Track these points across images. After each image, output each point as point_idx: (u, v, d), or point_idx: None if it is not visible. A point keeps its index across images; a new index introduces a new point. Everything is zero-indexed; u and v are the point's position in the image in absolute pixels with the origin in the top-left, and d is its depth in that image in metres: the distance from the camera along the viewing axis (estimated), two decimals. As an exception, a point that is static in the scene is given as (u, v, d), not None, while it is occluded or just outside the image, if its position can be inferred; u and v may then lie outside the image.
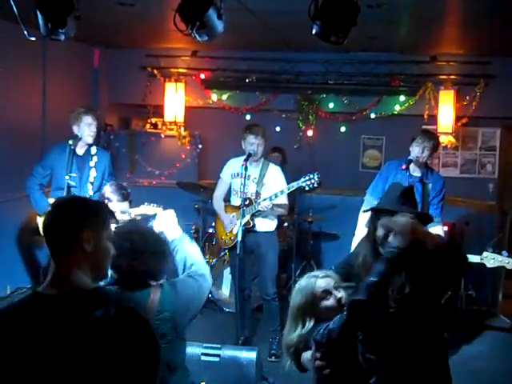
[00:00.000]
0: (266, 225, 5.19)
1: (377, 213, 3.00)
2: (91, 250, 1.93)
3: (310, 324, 2.56)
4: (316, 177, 4.88)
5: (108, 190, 4.25)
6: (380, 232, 2.80)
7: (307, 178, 4.90)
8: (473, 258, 4.65)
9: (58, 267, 1.91)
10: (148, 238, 2.75)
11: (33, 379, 1.77)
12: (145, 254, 2.66)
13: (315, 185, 4.92)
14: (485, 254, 4.50)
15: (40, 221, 5.08)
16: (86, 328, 1.78)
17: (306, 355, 2.51)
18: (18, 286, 6.10)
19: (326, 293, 2.58)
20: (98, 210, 2.02)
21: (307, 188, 4.94)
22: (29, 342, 1.79)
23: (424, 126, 6.95)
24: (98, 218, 1.99)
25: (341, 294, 2.58)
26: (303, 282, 2.68)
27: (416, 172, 4.80)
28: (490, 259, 4.47)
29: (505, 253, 4.50)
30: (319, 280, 2.62)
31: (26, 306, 1.88)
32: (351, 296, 2.43)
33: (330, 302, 2.56)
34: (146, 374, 1.83)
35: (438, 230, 4.84)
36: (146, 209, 5.17)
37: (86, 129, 4.93)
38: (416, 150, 4.72)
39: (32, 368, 1.77)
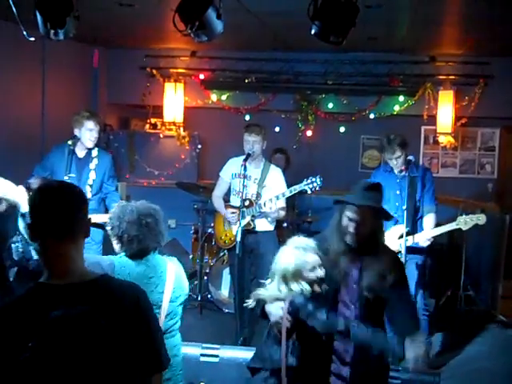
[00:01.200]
0: (265, 224, 5.18)
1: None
2: (86, 233, 1.94)
3: (290, 288, 2.95)
4: (318, 180, 4.87)
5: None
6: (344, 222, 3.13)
7: (309, 181, 4.89)
8: (450, 226, 4.73)
9: (57, 254, 1.85)
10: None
11: (44, 368, 1.76)
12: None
13: (317, 188, 4.92)
14: (459, 218, 4.61)
15: None
16: (99, 317, 1.79)
17: (273, 307, 2.95)
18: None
19: (313, 268, 2.95)
20: (83, 194, 2.01)
21: (309, 191, 4.94)
22: (35, 333, 1.76)
23: (423, 127, 6.98)
24: (86, 202, 1.99)
25: (322, 272, 2.96)
26: (295, 249, 3.10)
27: (401, 172, 4.86)
28: (465, 221, 4.57)
29: (478, 210, 4.58)
30: (310, 255, 2.99)
31: (33, 296, 1.84)
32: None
33: (312, 276, 2.94)
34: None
35: (429, 217, 4.86)
36: None
37: (87, 133, 4.91)
38: (393, 164, 4.84)
39: (42, 357, 1.75)
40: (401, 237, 4.67)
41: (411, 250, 4.72)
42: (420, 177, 4.88)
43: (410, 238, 4.71)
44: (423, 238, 4.70)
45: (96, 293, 1.84)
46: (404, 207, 4.58)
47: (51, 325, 1.77)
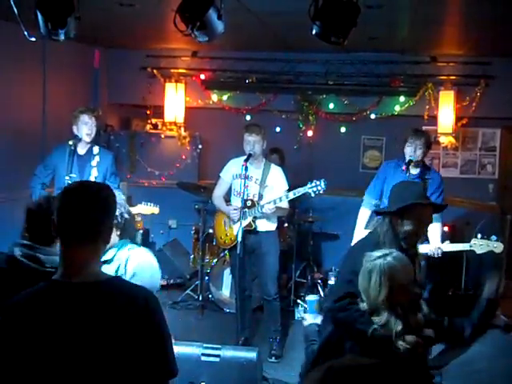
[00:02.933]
0: (267, 225, 5.19)
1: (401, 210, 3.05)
2: (109, 240, 1.95)
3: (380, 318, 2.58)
4: (323, 183, 4.86)
5: None
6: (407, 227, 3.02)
7: (313, 184, 4.88)
8: (463, 247, 4.70)
9: (77, 257, 1.86)
10: None
11: (54, 364, 1.76)
12: None
13: (321, 192, 4.91)
14: (473, 240, 4.56)
15: None
16: (108, 317, 1.80)
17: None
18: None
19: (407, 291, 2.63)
20: (115, 201, 2.00)
21: (313, 194, 4.93)
22: (47, 331, 1.77)
23: (424, 127, 6.94)
24: (116, 209, 2.02)
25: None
26: (382, 265, 2.62)
27: (413, 170, 4.82)
28: (479, 245, 4.53)
29: (493, 237, 4.54)
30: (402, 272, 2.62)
31: (46, 293, 1.84)
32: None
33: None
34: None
35: (435, 226, 4.85)
36: (143, 208, 5.20)
37: (83, 128, 4.93)
38: (409, 150, 4.75)
39: (54, 353, 1.76)
40: None
41: None
42: (432, 180, 4.86)
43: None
44: (431, 249, 4.67)
45: (105, 293, 1.85)
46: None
47: (57, 322, 1.78)
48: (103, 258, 2.45)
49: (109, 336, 1.79)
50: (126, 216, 2.93)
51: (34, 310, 1.80)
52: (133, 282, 2.03)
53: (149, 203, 5.21)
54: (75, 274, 1.85)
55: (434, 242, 4.77)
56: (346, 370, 1.58)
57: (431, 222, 3.22)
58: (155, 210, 5.22)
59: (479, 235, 4.57)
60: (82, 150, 5.02)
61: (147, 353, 1.82)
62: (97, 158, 5.04)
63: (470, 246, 4.57)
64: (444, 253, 4.71)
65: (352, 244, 4.97)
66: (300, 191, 4.92)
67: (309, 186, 4.89)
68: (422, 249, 4.70)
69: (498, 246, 4.51)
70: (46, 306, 1.80)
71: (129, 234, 3.02)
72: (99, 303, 1.82)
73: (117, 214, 3.00)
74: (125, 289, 1.92)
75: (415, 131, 4.94)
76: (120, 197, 2.96)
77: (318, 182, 4.87)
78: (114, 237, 3.04)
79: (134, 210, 5.08)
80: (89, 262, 1.87)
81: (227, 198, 5.40)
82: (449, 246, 4.69)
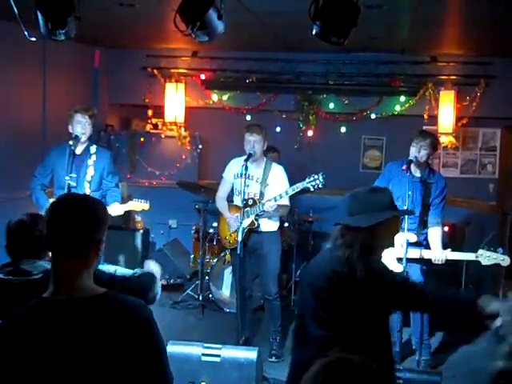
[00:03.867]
0: (269, 225, 5.18)
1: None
2: (99, 255, 1.90)
3: None
4: (321, 177, 4.85)
5: None
6: None
7: (312, 178, 4.87)
8: (468, 256, 4.66)
9: (66, 271, 1.83)
10: None
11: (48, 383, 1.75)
12: None
13: (320, 186, 4.89)
14: (480, 251, 4.51)
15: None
16: (102, 333, 1.77)
17: None
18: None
19: None
20: (106, 213, 1.96)
21: (312, 189, 4.92)
22: (42, 349, 1.75)
23: (424, 127, 6.96)
24: (107, 222, 1.94)
25: None
26: None
27: (417, 173, 4.79)
28: (486, 257, 4.48)
29: (500, 250, 4.50)
30: None
31: (37, 312, 1.81)
32: None
33: None
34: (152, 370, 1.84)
35: (436, 231, 4.84)
36: (134, 205, 5.20)
37: (77, 127, 4.93)
38: (413, 151, 4.71)
39: (44, 373, 1.74)
40: (416, 244, 4.65)
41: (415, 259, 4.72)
42: (435, 184, 4.84)
43: (417, 251, 4.69)
44: (435, 256, 4.67)
45: (100, 308, 1.82)
46: (405, 207, 4.57)
47: (51, 340, 1.76)
48: None
49: (104, 352, 1.76)
50: None
51: (25, 331, 1.77)
52: (126, 296, 2.02)
53: (140, 200, 5.20)
54: (67, 291, 1.82)
55: (436, 247, 4.75)
56: (338, 366, 1.58)
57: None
58: (145, 206, 5.21)
59: (485, 247, 4.53)
60: (78, 149, 5.01)
61: (142, 367, 1.80)
62: (93, 157, 5.03)
63: (476, 257, 4.52)
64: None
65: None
66: (299, 186, 4.91)
67: (307, 180, 4.88)
68: (426, 255, 4.70)
69: (505, 260, 4.45)
70: (37, 325, 1.77)
71: None
72: (92, 319, 1.78)
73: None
74: (118, 303, 1.88)
75: (421, 132, 4.92)
76: None
77: (316, 176, 4.86)
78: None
79: (125, 207, 5.10)
80: (79, 276, 1.84)
81: (229, 199, 5.40)
82: (453, 254, 4.66)
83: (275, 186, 5.10)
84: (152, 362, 1.83)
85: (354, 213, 2.73)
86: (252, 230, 5.08)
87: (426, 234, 4.87)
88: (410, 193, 4.62)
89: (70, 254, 1.82)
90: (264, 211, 5.00)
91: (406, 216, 4.53)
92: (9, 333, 1.79)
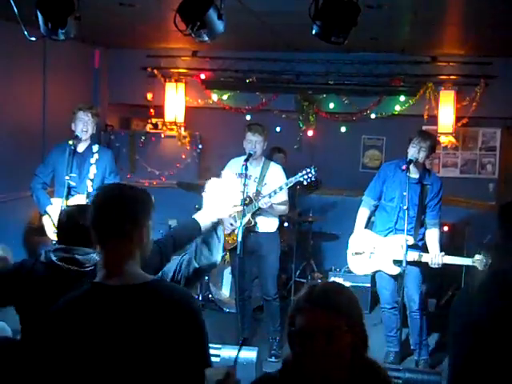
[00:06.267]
0: (268, 225, 5.19)
1: None
2: (146, 240, 1.98)
3: None
4: (313, 170, 4.88)
5: None
6: None
7: (304, 172, 4.91)
8: (465, 261, 4.65)
9: (116, 256, 1.89)
10: None
11: (98, 365, 1.79)
12: None
13: (313, 178, 4.92)
14: (477, 257, 4.50)
15: (46, 221, 5.07)
16: (152, 319, 1.81)
17: None
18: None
19: None
20: (151, 199, 2.05)
21: (305, 182, 4.95)
22: (93, 334, 1.79)
23: (424, 127, 6.96)
24: (152, 210, 2.03)
25: None
26: None
27: (414, 173, 4.78)
28: (482, 262, 4.47)
29: None
30: None
31: (90, 297, 1.86)
32: None
33: None
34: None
35: (434, 233, 4.83)
36: None
37: (79, 124, 4.94)
38: (412, 151, 4.70)
39: (97, 355, 1.78)
40: (412, 246, 4.65)
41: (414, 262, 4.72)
42: (431, 186, 4.84)
43: (416, 253, 4.70)
44: (432, 260, 4.66)
45: (149, 295, 1.87)
46: (405, 207, 4.57)
47: (103, 325, 1.80)
48: None
49: (152, 337, 1.80)
50: None
51: (78, 315, 1.82)
52: (174, 284, 2.06)
53: None
54: (117, 276, 1.87)
55: (434, 250, 4.74)
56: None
57: None
58: None
59: (482, 251, 4.53)
60: (81, 147, 5.02)
61: (188, 354, 1.85)
62: (96, 156, 5.04)
63: (473, 262, 4.52)
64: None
65: (349, 243, 4.95)
66: (292, 181, 4.95)
67: (300, 174, 4.93)
68: (423, 258, 4.70)
69: None
70: (90, 309, 1.83)
71: None
72: (143, 306, 1.83)
73: None
74: (167, 290, 1.94)
75: (422, 133, 4.90)
76: None
77: (308, 170, 4.90)
78: None
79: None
80: (129, 261, 1.90)
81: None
82: (450, 259, 4.66)
83: (272, 184, 5.09)
84: (196, 349, 1.89)
85: None
86: (250, 230, 5.08)
87: (422, 234, 4.87)
88: (405, 193, 4.62)
89: (119, 238, 1.90)
90: (259, 208, 5.00)
91: (406, 217, 4.54)
92: (62, 316, 1.84)
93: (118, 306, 1.82)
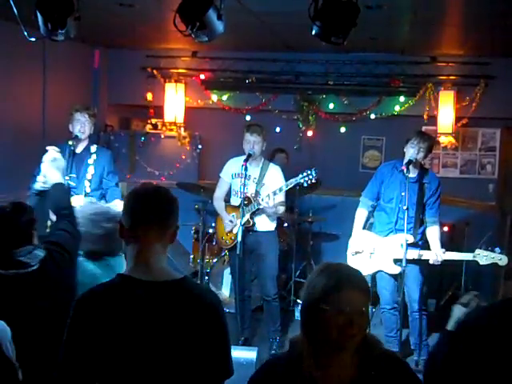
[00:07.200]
0: (266, 224, 5.19)
1: None
2: (172, 241, 2.02)
3: None
4: (314, 172, 4.88)
5: None
6: None
7: (305, 174, 4.92)
8: (466, 256, 4.67)
9: (150, 252, 1.93)
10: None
11: (122, 355, 1.82)
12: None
13: (313, 180, 4.92)
14: (477, 251, 4.53)
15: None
16: (179, 316, 1.86)
17: None
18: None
19: None
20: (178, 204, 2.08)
21: (305, 184, 4.95)
22: (121, 326, 1.83)
23: (424, 127, 6.96)
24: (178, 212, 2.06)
25: None
26: None
27: (412, 173, 4.79)
28: (483, 256, 4.50)
29: (497, 249, 4.51)
30: None
31: (119, 289, 1.90)
32: None
33: None
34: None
35: (434, 230, 4.84)
36: (119, 203, 5.20)
37: (76, 125, 4.94)
38: (411, 152, 4.70)
39: (122, 346, 1.82)
40: (412, 245, 4.66)
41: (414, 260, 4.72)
42: (429, 184, 4.85)
43: (416, 252, 4.70)
44: (433, 257, 4.67)
45: (177, 293, 1.91)
46: (405, 207, 4.57)
47: (131, 319, 1.84)
48: None
49: (177, 334, 1.85)
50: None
51: (106, 306, 1.85)
52: (200, 284, 2.13)
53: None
54: (148, 272, 1.91)
55: (435, 247, 4.75)
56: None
57: None
58: None
59: (483, 246, 4.54)
60: (79, 148, 5.01)
61: (211, 352, 1.91)
62: (94, 157, 5.03)
63: (474, 257, 4.54)
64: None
65: (349, 244, 4.96)
66: (292, 182, 4.95)
67: (300, 176, 4.93)
68: (424, 255, 4.70)
69: (502, 259, 4.48)
70: (119, 301, 1.86)
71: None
72: (171, 302, 1.88)
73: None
74: (194, 289, 1.99)
75: (420, 134, 4.89)
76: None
77: (308, 172, 4.91)
78: None
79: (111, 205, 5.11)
80: (161, 258, 1.95)
81: (227, 199, 5.40)
82: (451, 255, 4.68)
83: (271, 185, 5.10)
84: (219, 348, 1.95)
85: None
86: (248, 230, 5.08)
87: (422, 233, 4.88)
88: (403, 194, 4.63)
89: (159, 235, 1.95)
90: (259, 209, 5.00)
91: (405, 216, 4.54)
92: (90, 307, 1.87)
93: (147, 301, 1.86)
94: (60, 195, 3.04)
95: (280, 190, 4.97)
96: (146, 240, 1.93)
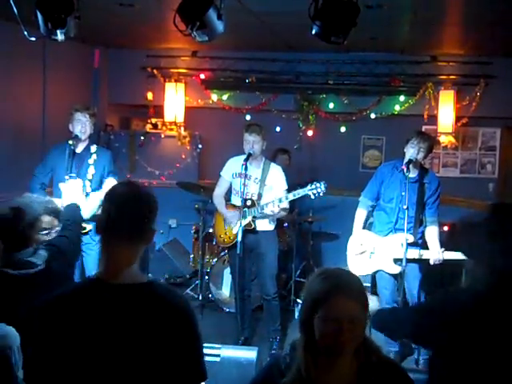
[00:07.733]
0: (266, 224, 5.18)
1: None
2: (147, 243, 1.98)
3: None
4: (323, 186, 4.83)
5: None
6: None
7: (314, 186, 4.84)
8: (463, 256, 4.66)
9: (123, 256, 1.90)
10: None
11: (87, 360, 1.80)
12: None
13: (321, 194, 4.88)
14: None
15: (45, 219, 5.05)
16: (147, 319, 1.83)
17: None
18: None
19: None
20: (157, 204, 2.03)
21: (313, 197, 4.90)
22: (87, 329, 1.81)
23: (424, 126, 6.97)
24: (156, 213, 2.02)
25: None
26: None
27: (412, 173, 4.79)
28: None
29: None
30: None
31: (89, 292, 1.88)
32: None
33: None
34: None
35: (433, 230, 4.84)
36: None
37: (77, 125, 4.93)
38: (411, 151, 4.70)
39: (87, 351, 1.80)
40: (412, 244, 4.65)
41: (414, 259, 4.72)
42: (429, 184, 4.84)
43: (416, 251, 4.70)
44: (433, 256, 4.68)
45: (143, 296, 1.89)
46: (405, 207, 4.57)
47: (99, 322, 1.82)
48: None
49: (145, 337, 1.82)
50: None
51: (72, 308, 1.84)
52: (170, 287, 2.10)
53: None
54: (116, 275, 1.89)
55: (434, 247, 4.75)
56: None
57: None
58: None
59: None
60: (79, 148, 5.01)
61: (182, 355, 1.87)
62: (94, 156, 5.03)
63: None
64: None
65: (349, 243, 4.96)
66: (300, 193, 4.89)
67: (309, 187, 4.86)
68: (424, 255, 4.70)
69: None
70: (85, 304, 1.84)
71: None
72: (138, 305, 1.86)
73: None
74: (163, 292, 1.96)
75: (421, 134, 4.88)
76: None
77: (318, 185, 4.84)
78: None
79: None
80: (130, 263, 1.92)
81: (227, 198, 5.39)
82: (451, 254, 4.67)
83: (273, 187, 5.09)
84: (190, 351, 1.91)
85: None
86: (248, 230, 5.08)
87: (422, 233, 4.88)
88: (403, 193, 4.62)
89: (128, 239, 1.91)
90: (262, 213, 4.99)
91: (405, 216, 4.54)
92: (57, 309, 1.85)
93: (114, 304, 1.84)
94: (67, 212, 3.45)
95: (286, 198, 4.93)
96: (117, 243, 1.91)
